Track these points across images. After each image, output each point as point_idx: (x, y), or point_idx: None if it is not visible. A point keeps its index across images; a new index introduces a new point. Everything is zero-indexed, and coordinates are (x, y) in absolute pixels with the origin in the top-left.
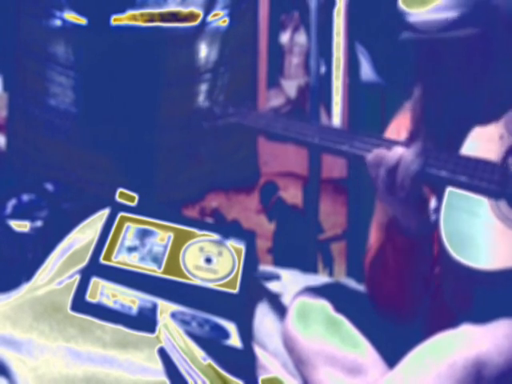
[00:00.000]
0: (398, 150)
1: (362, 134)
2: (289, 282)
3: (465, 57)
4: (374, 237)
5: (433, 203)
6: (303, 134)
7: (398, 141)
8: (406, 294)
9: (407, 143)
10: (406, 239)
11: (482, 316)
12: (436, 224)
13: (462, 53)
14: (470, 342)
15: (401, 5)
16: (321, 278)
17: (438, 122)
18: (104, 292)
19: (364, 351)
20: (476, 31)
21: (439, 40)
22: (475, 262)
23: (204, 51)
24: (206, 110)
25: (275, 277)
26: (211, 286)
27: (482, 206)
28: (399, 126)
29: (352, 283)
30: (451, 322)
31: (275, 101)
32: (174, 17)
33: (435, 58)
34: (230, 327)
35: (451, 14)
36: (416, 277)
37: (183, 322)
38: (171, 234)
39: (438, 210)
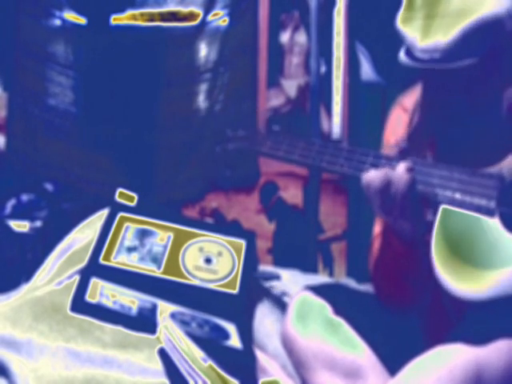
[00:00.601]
0: (385, 171)
1: (361, 152)
2: (289, 282)
3: (464, 85)
4: (377, 230)
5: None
6: (305, 156)
7: (392, 157)
8: (407, 292)
9: (398, 159)
10: (402, 243)
11: (478, 335)
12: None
13: (461, 81)
14: (469, 347)
15: (399, 26)
16: (321, 279)
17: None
18: (103, 292)
19: (362, 353)
20: (476, 60)
21: (439, 70)
22: (475, 264)
23: (204, 51)
24: (219, 133)
25: (275, 277)
26: (211, 286)
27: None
28: (397, 123)
29: (352, 283)
30: (450, 326)
31: (275, 100)
32: (174, 16)
33: (435, 86)
34: (230, 328)
35: (451, 45)
36: (416, 277)
37: (183, 322)
38: (171, 234)
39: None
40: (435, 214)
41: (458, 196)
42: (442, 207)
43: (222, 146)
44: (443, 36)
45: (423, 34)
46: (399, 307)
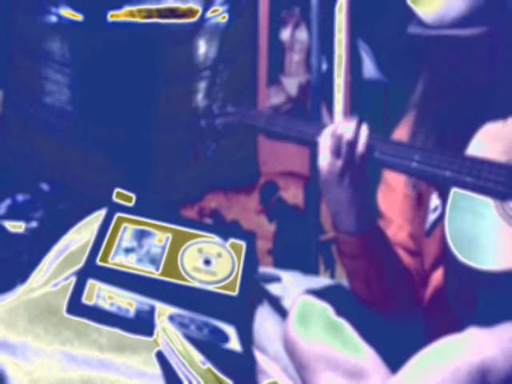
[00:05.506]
0: (353, 123)
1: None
2: (289, 284)
3: (471, 55)
4: None
5: (433, 202)
6: (304, 132)
7: (404, 143)
8: (377, 292)
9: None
10: (350, 241)
11: (487, 318)
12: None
13: (468, 51)
14: (475, 346)
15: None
16: (322, 280)
17: (441, 120)
18: (100, 294)
19: (365, 355)
20: (484, 30)
21: (447, 37)
22: (479, 262)
23: (203, 48)
24: (205, 108)
25: (275, 279)
26: (210, 288)
27: (486, 206)
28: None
29: None
30: (454, 325)
31: (275, 99)
32: (172, 13)
33: (442, 54)
34: (230, 330)
35: (460, 12)
36: (379, 274)
37: (181, 325)
38: (169, 235)
39: (439, 209)
40: (446, 198)
41: (469, 179)
42: (452, 192)
43: (208, 120)
44: (448, 5)
45: (430, 7)
46: (382, 312)
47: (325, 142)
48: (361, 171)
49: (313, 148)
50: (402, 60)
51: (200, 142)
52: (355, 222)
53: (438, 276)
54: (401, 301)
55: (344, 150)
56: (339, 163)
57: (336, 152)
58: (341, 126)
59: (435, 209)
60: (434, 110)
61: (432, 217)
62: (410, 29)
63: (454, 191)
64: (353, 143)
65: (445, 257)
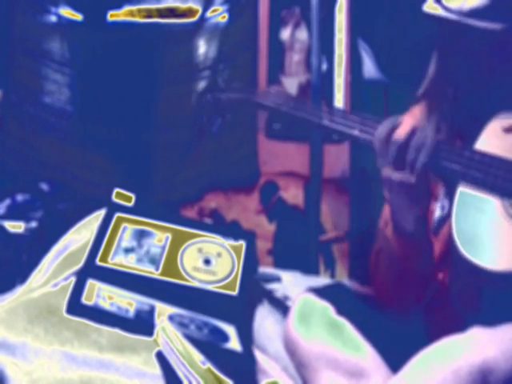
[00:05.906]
0: (410, 121)
1: (372, 119)
2: (290, 285)
3: (485, 49)
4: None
5: (439, 201)
6: (312, 114)
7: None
8: (405, 294)
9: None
10: (402, 240)
11: (489, 318)
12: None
13: (482, 44)
14: (476, 347)
15: None
16: (322, 280)
17: (453, 111)
18: (100, 294)
19: (366, 355)
20: (501, 27)
21: (463, 24)
22: (484, 262)
23: (203, 48)
24: (211, 82)
25: (276, 279)
26: (210, 287)
27: (491, 205)
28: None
29: (354, 285)
30: (456, 325)
31: None
32: (172, 12)
33: (455, 41)
34: (230, 330)
35: (480, 3)
36: (415, 277)
37: (181, 324)
38: (169, 235)
39: (445, 208)
40: (453, 197)
41: (478, 174)
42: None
43: (214, 94)
44: None
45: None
46: (400, 311)
47: (384, 148)
48: (425, 165)
49: (317, 131)
50: (402, 60)
51: (206, 116)
52: (410, 227)
53: (440, 276)
54: (406, 299)
55: (409, 160)
56: (401, 174)
57: (399, 162)
58: (420, 128)
59: (441, 208)
60: (445, 100)
61: (437, 215)
62: (426, 6)
63: (461, 190)
64: (418, 151)
65: (450, 256)
